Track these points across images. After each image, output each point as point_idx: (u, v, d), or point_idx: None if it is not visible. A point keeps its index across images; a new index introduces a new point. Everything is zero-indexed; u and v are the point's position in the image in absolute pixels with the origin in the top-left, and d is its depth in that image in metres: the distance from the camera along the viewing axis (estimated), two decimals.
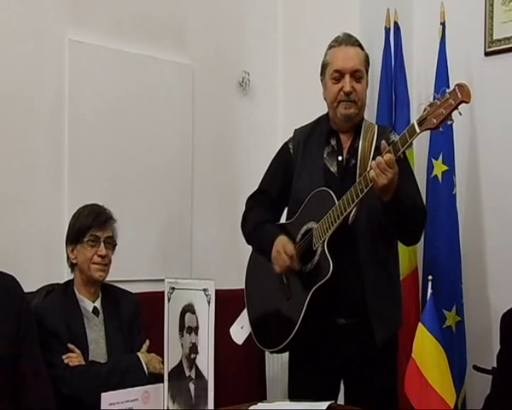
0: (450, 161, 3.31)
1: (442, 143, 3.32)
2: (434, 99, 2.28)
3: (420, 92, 3.67)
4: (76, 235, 2.61)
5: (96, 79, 3.19)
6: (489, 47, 3.42)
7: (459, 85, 2.23)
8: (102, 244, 2.60)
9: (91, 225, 2.59)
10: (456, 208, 3.33)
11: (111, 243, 2.65)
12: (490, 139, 3.40)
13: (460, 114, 2.24)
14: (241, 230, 2.80)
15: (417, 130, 2.29)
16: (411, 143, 2.36)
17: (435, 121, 2.25)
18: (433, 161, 3.33)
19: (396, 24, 3.48)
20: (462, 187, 3.44)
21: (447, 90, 2.25)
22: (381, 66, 3.45)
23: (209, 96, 3.64)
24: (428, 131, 3.26)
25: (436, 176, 3.31)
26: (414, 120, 2.33)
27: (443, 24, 3.36)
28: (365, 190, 2.38)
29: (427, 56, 3.56)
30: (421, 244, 3.30)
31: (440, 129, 2.31)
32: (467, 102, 2.22)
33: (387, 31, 3.47)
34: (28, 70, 3.00)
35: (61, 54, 3.09)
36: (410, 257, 3.34)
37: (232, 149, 3.76)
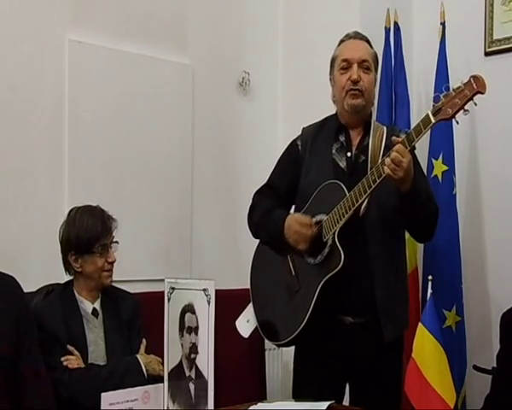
0: (450, 161, 3.31)
1: (442, 143, 3.32)
2: (447, 90, 2.28)
3: (420, 92, 3.67)
4: (84, 246, 2.54)
5: (96, 79, 3.19)
6: (489, 47, 3.42)
7: (474, 77, 2.25)
8: (111, 250, 2.59)
9: (101, 235, 2.55)
10: (456, 208, 3.32)
11: (115, 244, 2.62)
12: (490, 139, 3.40)
13: (475, 104, 2.26)
14: (247, 223, 2.78)
15: (432, 120, 2.29)
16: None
17: (450, 111, 2.26)
18: (433, 161, 3.32)
19: (396, 24, 3.48)
20: (462, 187, 3.44)
21: (462, 82, 2.27)
22: (381, 66, 3.44)
23: (209, 96, 3.64)
24: (428, 132, 3.32)
25: (436, 176, 3.31)
26: (428, 111, 2.32)
27: (443, 24, 3.36)
28: (378, 181, 2.37)
29: (427, 56, 3.56)
30: (421, 244, 3.30)
31: (456, 119, 2.30)
32: (482, 93, 2.24)
33: (387, 31, 3.47)
34: (28, 70, 3.00)
35: (61, 54, 3.10)
36: (410, 257, 3.32)
37: (232, 149, 3.76)
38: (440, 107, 2.28)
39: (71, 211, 2.63)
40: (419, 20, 3.71)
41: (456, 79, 3.31)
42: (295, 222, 2.54)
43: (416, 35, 3.72)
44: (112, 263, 2.60)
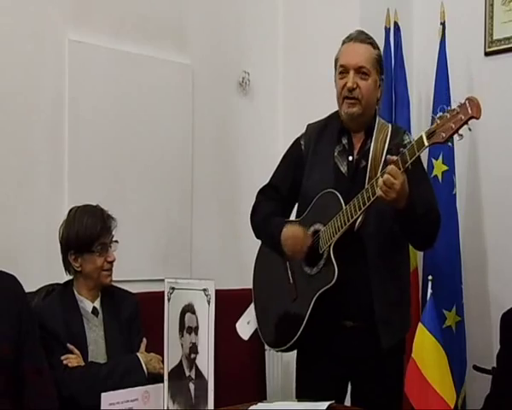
0: (450, 161, 3.30)
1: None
2: (443, 112, 2.26)
3: (420, 92, 3.67)
4: (84, 245, 2.55)
5: (96, 79, 3.19)
6: (489, 47, 3.42)
7: (470, 100, 2.22)
8: (110, 250, 2.59)
9: (100, 234, 2.56)
10: (457, 208, 3.32)
11: (115, 243, 2.62)
12: (490, 139, 3.40)
13: (470, 129, 2.23)
14: (250, 222, 2.79)
15: (426, 143, 2.28)
16: (419, 156, 2.36)
17: (444, 136, 2.24)
18: (433, 161, 3.32)
19: (396, 24, 3.47)
20: (462, 187, 3.44)
21: (457, 104, 2.24)
22: None
23: (209, 96, 3.64)
24: None
25: (436, 176, 3.31)
26: (423, 132, 2.31)
27: (443, 24, 3.35)
28: (372, 199, 2.37)
29: (427, 56, 3.56)
30: None
31: (449, 143, 2.29)
32: (476, 119, 2.21)
33: (387, 31, 3.47)
34: (28, 70, 3.00)
35: (61, 54, 3.10)
36: (410, 257, 3.33)
37: (232, 149, 3.76)
38: (434, 130, 2.26)
39: (70, 210, 2.64)
40: (419, 20, 3.71)
41: (456, 79, 3.34)
42: (291, 236, 2.54)
43: (416, 35, 3.72)
44: (111, 262, 2.61)
